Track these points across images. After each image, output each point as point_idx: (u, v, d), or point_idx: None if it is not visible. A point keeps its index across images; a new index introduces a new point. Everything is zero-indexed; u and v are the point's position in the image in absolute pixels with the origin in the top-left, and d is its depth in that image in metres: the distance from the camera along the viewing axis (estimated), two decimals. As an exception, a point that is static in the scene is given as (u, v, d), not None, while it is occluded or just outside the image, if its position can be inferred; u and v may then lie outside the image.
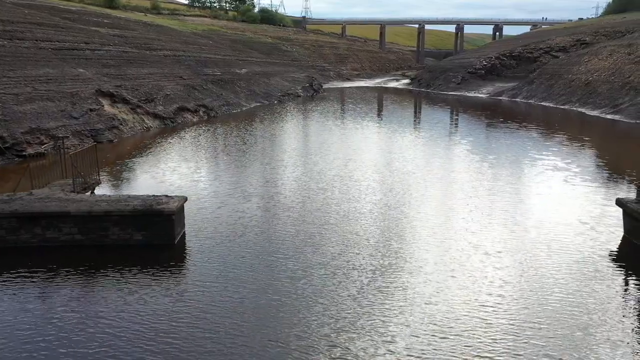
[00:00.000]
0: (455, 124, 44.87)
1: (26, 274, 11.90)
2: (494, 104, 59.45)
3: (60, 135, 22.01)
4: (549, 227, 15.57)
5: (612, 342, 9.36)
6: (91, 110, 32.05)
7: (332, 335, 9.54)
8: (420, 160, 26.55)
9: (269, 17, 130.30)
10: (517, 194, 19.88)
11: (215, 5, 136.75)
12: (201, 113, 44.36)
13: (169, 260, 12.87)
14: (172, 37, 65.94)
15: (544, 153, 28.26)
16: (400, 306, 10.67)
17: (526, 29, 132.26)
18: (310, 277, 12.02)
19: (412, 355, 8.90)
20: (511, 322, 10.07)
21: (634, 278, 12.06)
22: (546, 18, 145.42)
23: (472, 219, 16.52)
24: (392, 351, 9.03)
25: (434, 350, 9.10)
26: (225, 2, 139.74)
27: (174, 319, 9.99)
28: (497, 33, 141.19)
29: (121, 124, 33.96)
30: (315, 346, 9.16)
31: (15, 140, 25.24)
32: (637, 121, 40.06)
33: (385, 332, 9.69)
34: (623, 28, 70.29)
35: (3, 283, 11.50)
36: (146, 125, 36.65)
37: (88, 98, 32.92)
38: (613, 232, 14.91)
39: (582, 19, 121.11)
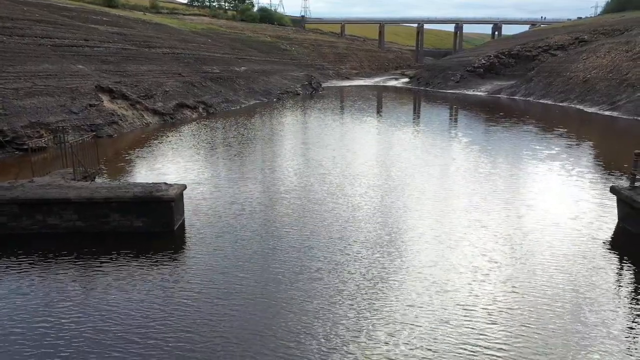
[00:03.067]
0: (455, 119, 45.10)
1: (27, 260, 11.99)
2: (492, 102, 59.64)
3: (61, 126, 22.16)
4: (545, 211, 16.04)
5: (596, 301, 9.99)
6: (91, 105, 32.17)
7: (336, 296, 9.76)
8: (420, 151, 26.87)
9: (268, 17, 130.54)
10: (515, 180, 20.40)
11: (214, 4, 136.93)
12: (200, 109, 44.48)
13: (168, 247, 12.98)
14: (171, 35, 66.14)
15: (542, 145, 28.59)
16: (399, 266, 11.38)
17: (525, 28, 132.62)
18: (309, 250, 12.59)
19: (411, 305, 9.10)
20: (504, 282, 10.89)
21: (626, 260, 12.37)
22: (545, 17, 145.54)
23: (469, 200, 17.09)
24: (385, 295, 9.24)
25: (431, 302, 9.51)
26: (225, 2, 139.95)
27: (174, 302, 10.11)
28: (496, 32, 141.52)
29: (121, 120, 34.08)
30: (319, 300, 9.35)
31: (16, 134, 25.37)
32: (635, 117, 40.25)
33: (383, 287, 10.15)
34: (621, 26, 70.43)
35: (4, 269, 11.62)
36: (146, 121, 36.78)
37: (87, 93, 33.04)
38: (607, 218, 15.23)
39: (581, 18, 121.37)
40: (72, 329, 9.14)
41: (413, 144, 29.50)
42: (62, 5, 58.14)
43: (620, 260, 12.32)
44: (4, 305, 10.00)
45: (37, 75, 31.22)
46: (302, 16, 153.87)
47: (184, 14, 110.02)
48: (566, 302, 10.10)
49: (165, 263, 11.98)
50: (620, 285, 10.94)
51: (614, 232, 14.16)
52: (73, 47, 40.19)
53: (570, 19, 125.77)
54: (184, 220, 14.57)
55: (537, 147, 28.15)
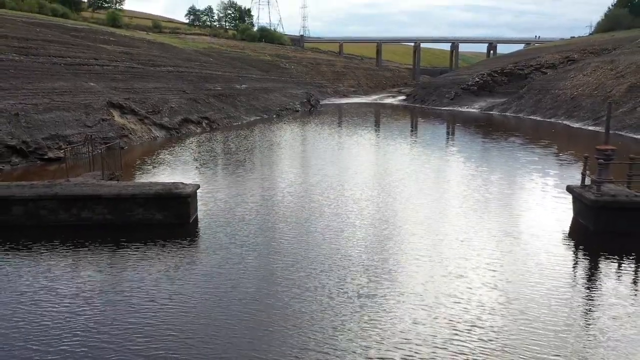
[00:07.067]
0: (448, 134, 47.51)
1: (63, 249, 14.04)
2: (485, 118, 61.97)
3: (90, 135, 24.42)
4: (518, 204, 19.31)
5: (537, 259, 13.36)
6: (103, 120, 34.43)
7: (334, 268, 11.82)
8: (411, 159, 29.61)
9: (267, 36, 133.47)
10: (495, 180, 23.62)
11: (215, 24, 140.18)
12: (204, 125, 46.80)
13: (186, 236, 15.21)
14: (174, 54, 68.65)
15: (524, 154, 31.19)
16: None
17: (519, 47, 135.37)
18: (310, 236, 15.03)
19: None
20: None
21: (580, 248, 14.90)
22: (539, 36, 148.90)
23: (451, 202, 19.43)
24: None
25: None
26: (225, 21, 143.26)
27: (190, 279, 12.19)
28: (492, 51, 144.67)
29: (130, 133, 36.33)
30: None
31: (37, 145, 27.56)
32: (616, 132, 42.45)
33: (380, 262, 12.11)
34: (610, 46, 72.72)
35: (47, 255, 13.67)
36: (153, 135, 39.03)
37: (100, 109, 35.31)
38: (566, 213, 17.71)
39: (574, 37, 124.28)
40: (102, 300, 11.15)
41: (406, 153, 32.05)
42: (71, 26, 60.66)
43: (568, 243, 15.29)
44: (45, 284, 12.02)
45: (53, 92, 33.51)
46: (301, 35, 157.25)
47: (185, 34, 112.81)
48: (517, 259, 13.46)
49: (184, 248, 14.14)
50: (561, 254, 13.97)
51: (571, 223, 16.62)
52: (84, 65, 42.58)
53: (563, 38, 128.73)
54: (197, 215, 16.74)
55: (520, 155, 30.83)
